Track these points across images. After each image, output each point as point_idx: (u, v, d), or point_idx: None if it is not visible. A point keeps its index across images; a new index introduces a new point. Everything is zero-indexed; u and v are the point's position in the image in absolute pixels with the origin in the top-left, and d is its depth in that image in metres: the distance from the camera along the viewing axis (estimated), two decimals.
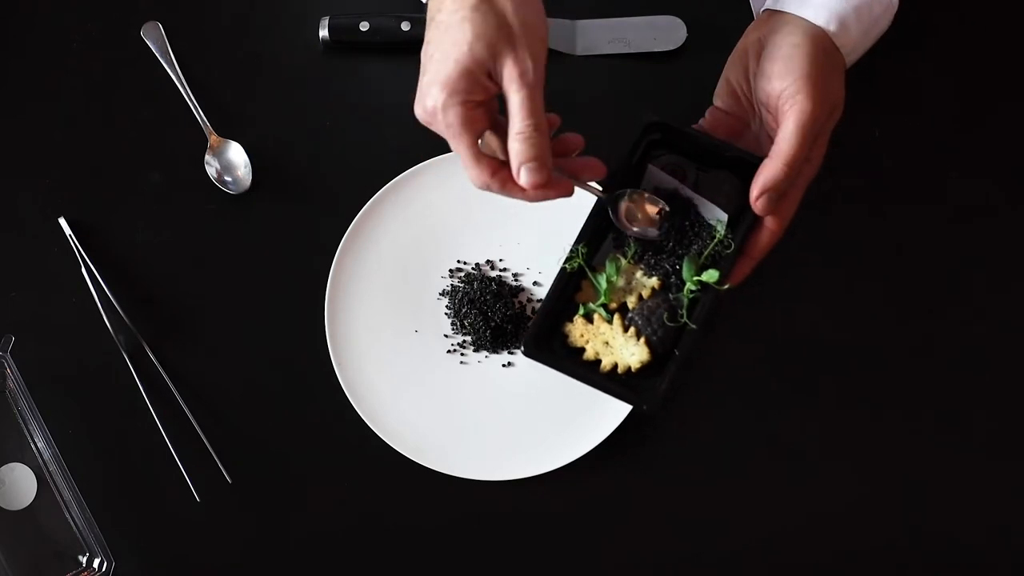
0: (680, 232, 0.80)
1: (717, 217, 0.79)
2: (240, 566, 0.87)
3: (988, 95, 0.93)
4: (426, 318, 0.89)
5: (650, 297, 0.80)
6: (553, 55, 0.91)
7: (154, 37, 0.91)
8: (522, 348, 0.80)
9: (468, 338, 0.88)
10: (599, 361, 0.80)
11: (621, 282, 0.80)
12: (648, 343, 0.79)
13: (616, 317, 0.80)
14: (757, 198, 0.76)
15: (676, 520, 0.88)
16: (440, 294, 0.89)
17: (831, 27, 0.77)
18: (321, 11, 0.91)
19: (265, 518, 0.87)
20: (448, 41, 0.69)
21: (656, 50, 0.92)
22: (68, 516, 0.87)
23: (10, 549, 0.86)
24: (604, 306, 0.80)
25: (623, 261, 0.80)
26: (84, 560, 0.86)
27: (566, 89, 0.92)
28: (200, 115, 0.90)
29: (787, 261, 0.87)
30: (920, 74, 0.92)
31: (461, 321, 0.88)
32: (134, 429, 0.87)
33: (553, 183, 0.72)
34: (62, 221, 0.89)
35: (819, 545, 0.87)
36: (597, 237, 0.81)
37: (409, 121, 0.91)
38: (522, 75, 0.69)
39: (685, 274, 0.79)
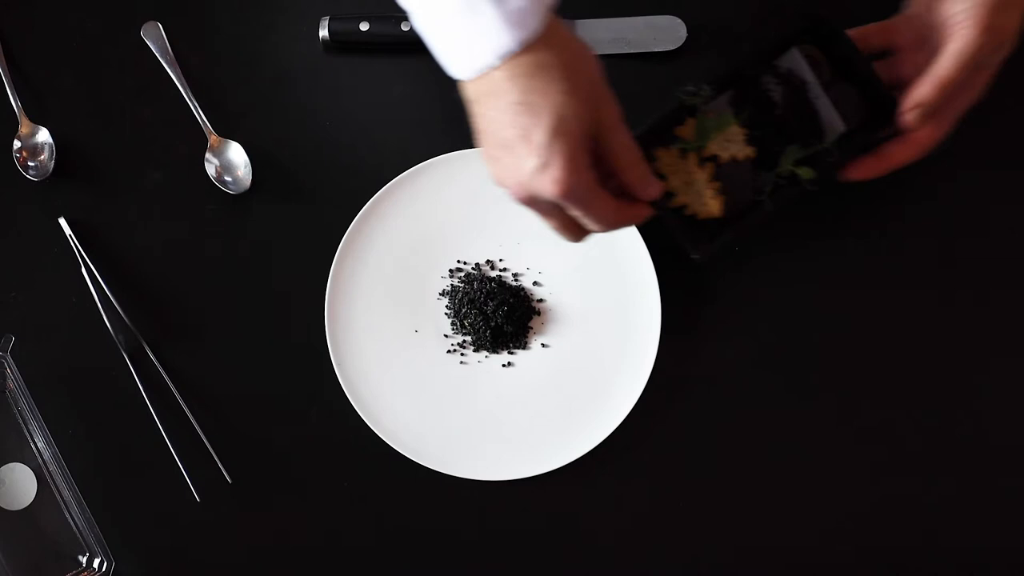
0: (796, 122, 0.82)
1: (832, 124, 0.82)
2: (240, 566, 0.87)
3: None
4: (426, 318, 0.89)
5: (741, 163, 0.82)
6: None
7: (154, 37, 0.91)
8: None
9: (468, 338, 0.88)
10: (672, 195, 0.82)
11: (721, 138, 0.82)
12: (724, 201, 0.81)
13: (709, 164, 0.82)
14: (907, 111, 0.77)
15: (676, 520, 0.88)
16: (440, 294, 0.89)
17: None
18: (321, 11, 0.91)
19: (265, 518, 0.87)
20: (548, 112, 0.66)
21: (656, 50, 0.91)
22: (68, 516, 0.87)
23: (10, 549, 0.86)
24: (700, 149, 0.82)
25: (733, 120, 0.82)
26: (84, 560, 0.86)
27: None
28: (200, 115, 0.90)
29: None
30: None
31: (461, 321, 0.88)
32: (134, 429, 0.87)
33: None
34: (62, 221, 0.89)
35: (820, 546, 0.87)
36: (718, 90, 0.83)
37: (409, 121, 0.92)
38: (619, 116, 0.71)
39: (784, 158, 0.81)
